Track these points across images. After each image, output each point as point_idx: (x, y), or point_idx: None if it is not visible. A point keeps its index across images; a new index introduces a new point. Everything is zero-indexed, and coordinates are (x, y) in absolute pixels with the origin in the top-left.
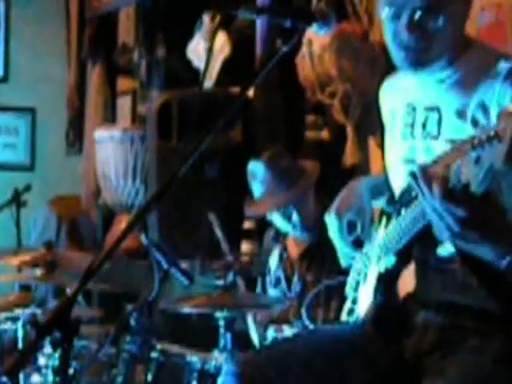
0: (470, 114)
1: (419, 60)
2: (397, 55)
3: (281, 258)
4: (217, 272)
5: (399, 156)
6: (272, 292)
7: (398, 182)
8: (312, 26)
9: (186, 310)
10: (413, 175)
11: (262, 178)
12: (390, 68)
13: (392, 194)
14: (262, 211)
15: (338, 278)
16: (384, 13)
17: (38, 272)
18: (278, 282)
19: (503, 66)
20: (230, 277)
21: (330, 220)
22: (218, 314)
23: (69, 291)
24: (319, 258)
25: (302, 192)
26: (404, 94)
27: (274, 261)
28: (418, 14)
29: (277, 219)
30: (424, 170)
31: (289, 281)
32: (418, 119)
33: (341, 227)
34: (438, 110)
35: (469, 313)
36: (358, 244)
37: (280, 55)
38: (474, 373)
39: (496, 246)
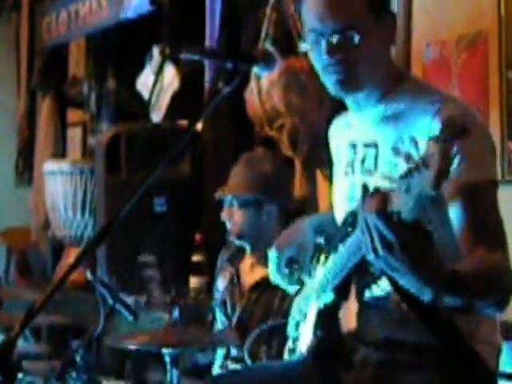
0: (404, 149)
1: (347, 82)
2: (327, 81)
3: (231, 282)
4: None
5: (343, 193)
6: (218, 312)
7: (341, 218)
8: (254, 67)
9: (132, 346)
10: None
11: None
12: (337, 102)
13: (331, 231)
14: (225, 193)
15: (282, 320)
16: (307, 42)
17: None
18: (223, 304)
19: (433, 102)
20: (176, 313)
21: (271, 254)
22: (164, 351)
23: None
24: (270, 294)
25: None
26: (347, 133)
27: (223, 282)
28: (334, 38)
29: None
30: (369, 198)
31: (233, 308)
32: (358, 156)
33: (279, 262)
34: (375, 146)
35: (405, 348)
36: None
37: (223, 96)
38: None
39: (420, 276)
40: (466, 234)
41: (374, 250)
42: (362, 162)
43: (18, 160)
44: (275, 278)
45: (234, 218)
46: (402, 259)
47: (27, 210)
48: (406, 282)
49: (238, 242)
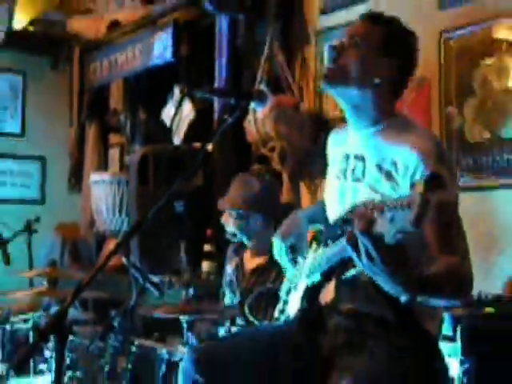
0: (386, 168)
1: (333, 76)
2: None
3: (237, 267)
4: (181, 286)
5: (334, 194)
6: (226, 290)
7: (333, 212)
8: (252, 102)
9: (158, 314)
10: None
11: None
12: (316, 130)
13: (326, 223)
14: (223, 206)
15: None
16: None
17: (44, 286)
18: (230, 284)
19: (412, 137)
20: (191, 290)
21: (276, 242)
22: (182, 318)
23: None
24: (265, 276)
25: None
26: (343, 145)
27: (230, 267)
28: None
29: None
30: (358, 212)
31: (238, 287)
32: (350, 165)
33: (283, 248)
34: (363, 159)
35: (370, 319)
36: (296, 262)
37: (228, 125)
38: (373, 368)
39: (397, 283)
40: (434, 242)
41: (360, 259)
42: (353, 171)
43: (70, 174)
44: (281, 261)
45: (229, 222)
46: (382, 270)
47: (77, 211)
48: (385, 285)
49: (233, 239)
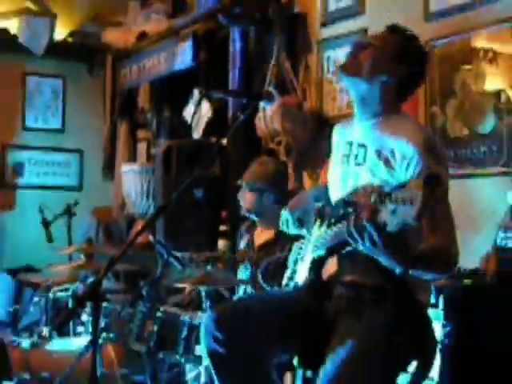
0: (384, 155)
1: (349, 68)
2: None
3: (248, 244)
4: (201, 261)
5: (337, 176)
6: (240, 263)
7: (336, 194)
8: (261, 102)
9: (181, 286)
10: (350, 200)
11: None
12: (317, 127)
13: (329, 202)
14: (243, 181)
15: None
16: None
17: (82, 260)
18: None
19: (409, 132)
20: (209, 266)
21: (285, 214)
22: (201, 288)
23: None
24: (273, 250)
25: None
26: (346, 134)
27: (243, 243)
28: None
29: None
30: (357, 199)
31: (249, 260)
32: (353, 152)
33: (290, 220)
34: (365, 146)
35: (368, 289)
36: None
37: (240, 121)
38: (373, 330)
39: (398, 263)
40: (429, 227)
41: (363, 243)
42: (356, 156)
43: (104, 165)
44: (289, 230)
45: (245, 197)
46: (383, 253)
47: (110, 197)
48: (384, 261)
49: (247, 215)
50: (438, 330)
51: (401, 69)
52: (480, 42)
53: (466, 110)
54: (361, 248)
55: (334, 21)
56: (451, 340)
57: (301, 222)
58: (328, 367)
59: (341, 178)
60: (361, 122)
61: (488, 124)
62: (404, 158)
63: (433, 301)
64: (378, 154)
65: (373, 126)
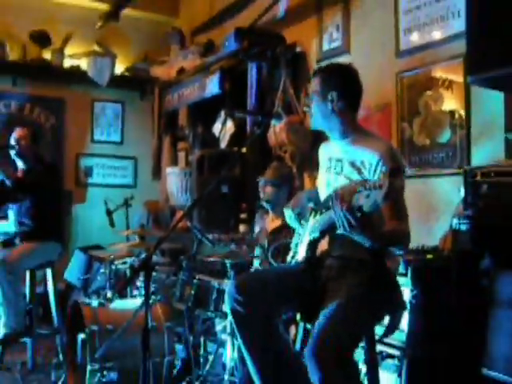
0: (357, 166)
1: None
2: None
3: (261, 229)
4: (226, 241)
5: (323, 182)
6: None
7: (323, 195)
8: (272, 120)
9: (211, 259)
10: (334, 196)
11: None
12: (314, 139)
13: (318, 201)
14: (265, 178)
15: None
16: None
17: (136, 241)
18: (257, 241)
19: (374, 145)
20: (233, 245)
21: (287, 211)
22: (227, 261)
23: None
24: (281, 234)
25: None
26: (328, 152)
27: (257, 228)
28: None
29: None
30: (338, 194)
31: (262, 243)
32: (333, 165)
33: (292, 215)
34: (341, 160)
35: (353, 260)
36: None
37: (256, 135)
38: (355, 290)
39: (368, 239)
40: (389, 211)
41: (343, 225)
42: (335, 168)
43: (152, 169)
44: (291, 224)
45: (265, 190)
46: (358, 232)
47: (158, 192)
48: (359, 239)
49: (265, 205)
50: (407, 293)
51: (333, 95)
52: (438, 73)
53: (428, 125)
54: (341, 230)
55: (327, 57)
56: (417, 301)
57: (300, 216)
58: (321, 319)
59: (326, 183)
60: (336, 140)
61: (445, 136)
62: (371, 165)
63: (403, 271)
64: (352, 164)
65: (346, 144)
